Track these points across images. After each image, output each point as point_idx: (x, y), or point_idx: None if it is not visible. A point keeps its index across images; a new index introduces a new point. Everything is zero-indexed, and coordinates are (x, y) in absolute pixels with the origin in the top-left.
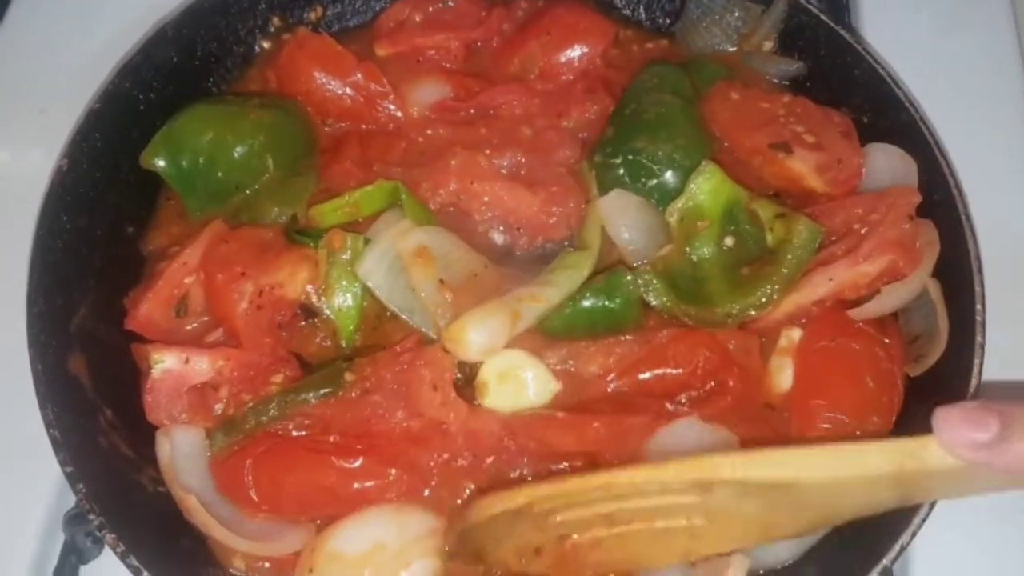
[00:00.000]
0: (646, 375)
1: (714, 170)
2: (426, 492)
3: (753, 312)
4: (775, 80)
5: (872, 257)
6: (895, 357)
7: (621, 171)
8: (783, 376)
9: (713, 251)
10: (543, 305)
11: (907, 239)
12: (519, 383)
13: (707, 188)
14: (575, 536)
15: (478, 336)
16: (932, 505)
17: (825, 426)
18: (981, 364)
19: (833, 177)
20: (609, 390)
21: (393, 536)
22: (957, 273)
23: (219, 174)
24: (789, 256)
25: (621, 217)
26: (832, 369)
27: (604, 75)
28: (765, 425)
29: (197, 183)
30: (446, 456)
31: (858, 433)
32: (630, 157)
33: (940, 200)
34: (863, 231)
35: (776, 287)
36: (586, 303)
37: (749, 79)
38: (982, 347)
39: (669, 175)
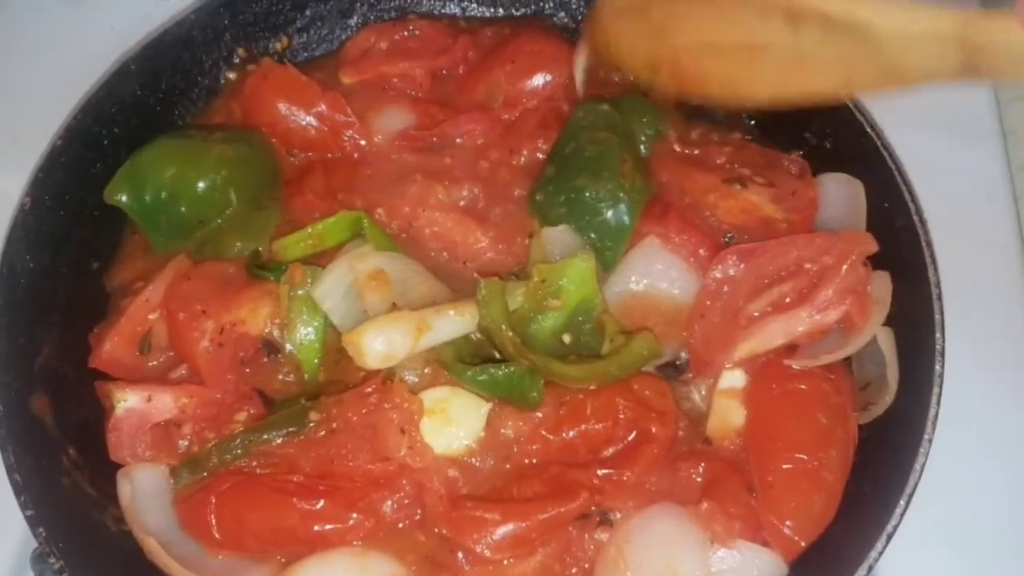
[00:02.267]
0: (570, 434)
1: (591, 260)
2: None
3: (566, 382)
4: (732, 109)
5: (828, 308)
6: (844, 390)
7: (564, 209)
8: (733, 416)
9: (549, 335)
10: (459, 318)
11: (861, 290)
12: (447, 416)
13: (577, 274)
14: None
15: (376, 343)
16: (896, 526)
17: (786, 467)
18: (940, 393)
19: (790, 206)
20: (532, 461)
21: None
22: (916, 301)
23: (182, 209)
24: (622, 358)
25: (559, 252)
26: (784, 412)
27: (558, 109)
28: (710, 457)
29: (160, 218)
30: (408, 502)
31: (820, 470)
32: (572, 195)
33: (901, 226)
34: (813, 269)
35: (596, 379)
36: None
37: (685, 120)
38: (941, 377)
39: (611, 213)
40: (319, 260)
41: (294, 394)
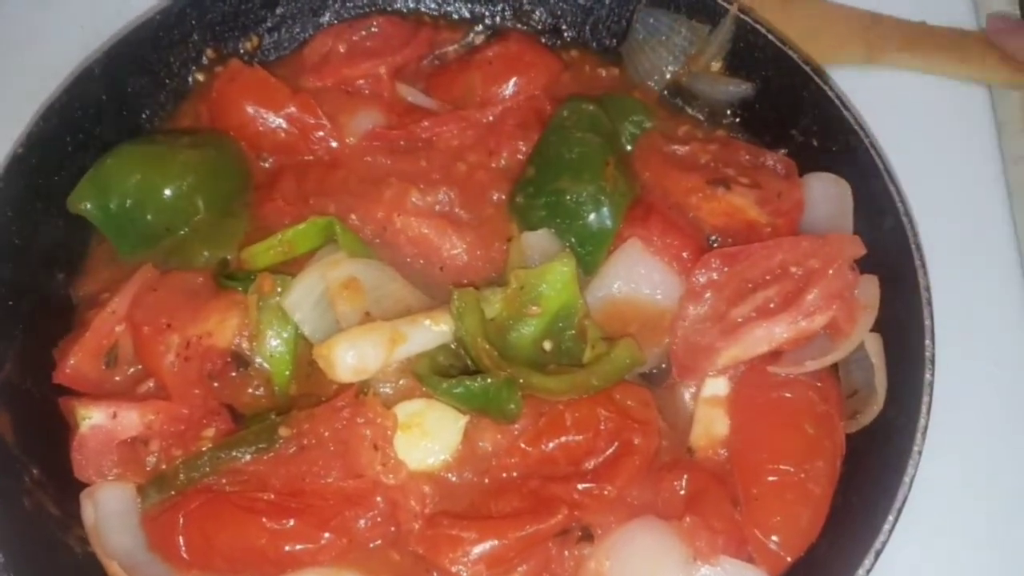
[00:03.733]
0: (549, 446)
1: (571, 263)
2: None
3: (546, 395)
4: (717, 106)
5: (814, 313)
6: (831, 399)
7: (544, 212)
8: (717, 426)
9: (529, 343)
10: (435, 327)
11: (848, 294)
12: (422, 430)
13: (556, 279)
14: None
15: (348, 356)
16: (884, 542)
17: (771, 479)
18: (930, 403)
19: (775, 209)
20: (511, 475)
21: None
22: (905, 305)
23: (148, 217)
24: (603, 367)
25: (538, 257)
26: (769, 421)
27: (540, 108)
28: (694, 469)
29: (126, 226)
30: (381, 520)
31: (806, 482)
32: (553, 198)
33: (890, 228)
34: (798, 273)
35: (577, 391)
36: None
37: (671, 117)
38: (931, 385)
39: (593, 217)
40: (290, 268)
41: (264, 408)
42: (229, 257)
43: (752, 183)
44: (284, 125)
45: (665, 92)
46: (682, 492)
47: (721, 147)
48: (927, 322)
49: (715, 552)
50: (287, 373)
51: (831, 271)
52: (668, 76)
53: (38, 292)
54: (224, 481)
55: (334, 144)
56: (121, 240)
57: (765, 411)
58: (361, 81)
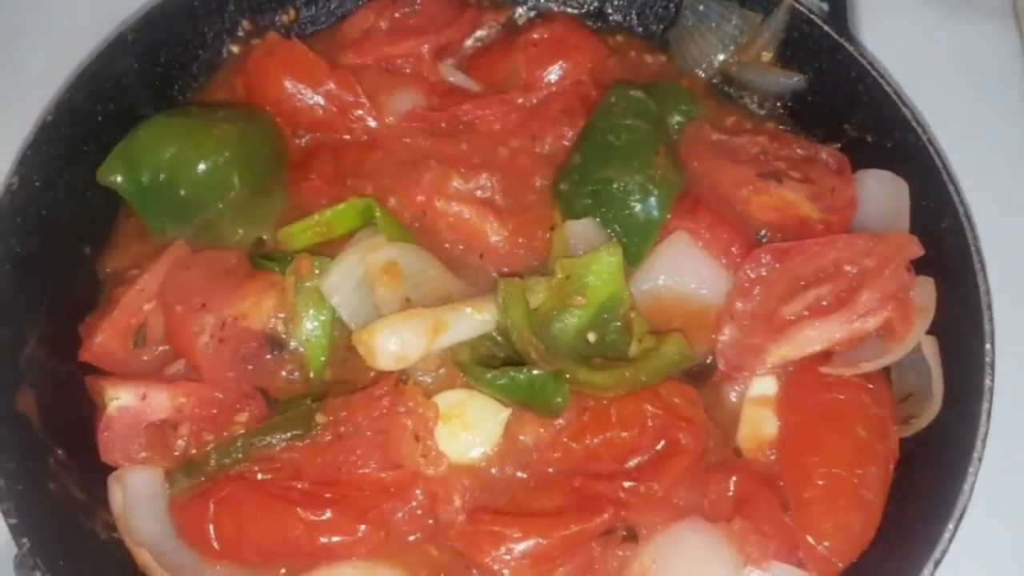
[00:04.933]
0: (594, 442)
1: (618, 253)
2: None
3: (592, 391)
4: (767, 97)
5: (868, 314)
6: (883, 402)
7: (589, 201)
8: (765, 426)
9: (573, 334)
10: (477, 316)
11: (904, 295)
12: (463, 422)
13: (602, 269)
14: None
15: (390, 344)
16: (944, 551)
17: (822, 483)
18: (990, 409)
19: (827, 205)
20: (553, 471)
21: None
22: (964, 308)
23: (181, 192)
24: (651, 362)
25: (582, 247)
26: (820, 423)
27: (585, 93)
28: (742, 471)
29: (157, 201)
30: (421, 513)
31: (859, 487)
32: (599, 186)
33: (948, 228)
34: (852, 272)
35: (624, 386)
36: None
37: (719, 107)
38: (991, 391)
39: (640, 207)
40: (327, 250)
41: (299, 394)
42: (265, 237)
43: (804, 178)
44: (322, 102)
45: (714, 81)
46: (730, 494)
47: (771, 139)
48: (987, 326)
49: (766, 557)
50: (323, 358)
51: (887, 271)
52: (717, 65)
53: (64, 267)
54: (256, 468)
55: (373, 124)
56: (152, 215)
57: (815, 413)
58: (401, 60)
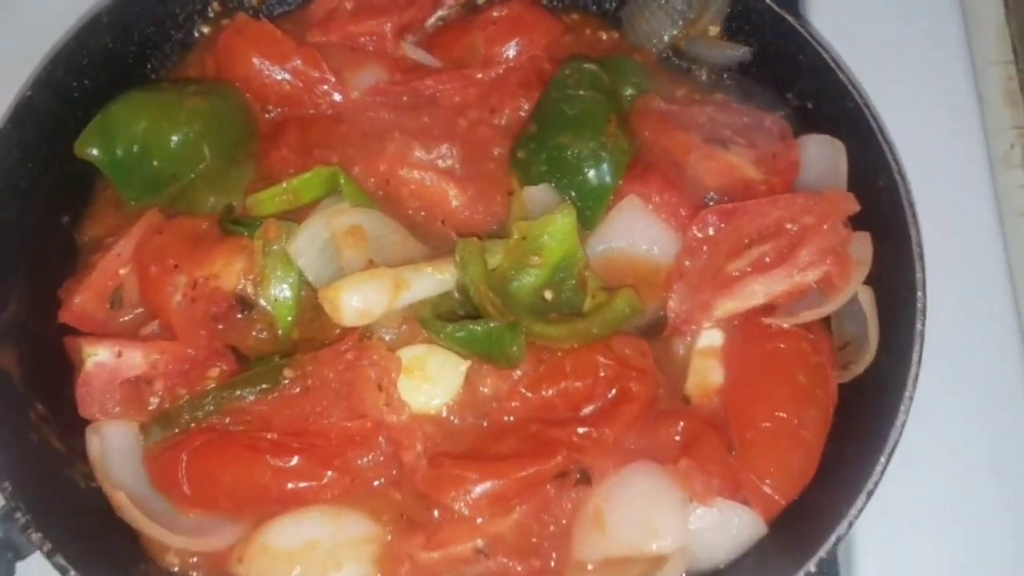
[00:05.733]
0: (549, 391)
1: (572, 215)
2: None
3: (547, 342)
4: (714, 69)
5: (808, 268)
6: (823, 350)
7: (545, 167)
8: (712, 375)
9: (530, 292)
10: (438, 275)
11: (842, 250)
12: (424, 374)
13: (557, 230)
14: None
15: (354, 300)
16: (876, 483)
17: (765, 425)
18: (921, 351)
19: (770, 168)
20: (511, 419)
21: (327, 535)
22: (898, 260)
23: (154, 163)
24: (603, 316)
25: (539, 211)
26: (764, 371)
27: (541, 68)
28: (689, 416)
29: (132, 172)
30: (384, 459)
31: (800, 428)
32: (554, 153)
33: (884, 186)
34: (793, 229)
35: (577, 338)
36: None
37: (669, 79)
38: (922, 335)
39: (593, 172)
40: (294, 217)
41: (268, 352)
42: (235, 204)
43: (749, 143)
44: (289, 78)
45: (664, 55)
46: (677, 438)
47: (718, 109)
48: (919, 275)
49: (710, 494)
50: (290, 318)
51: (825, 227)
52: (667, 40)
53: (43, 235)
54: (228, 421)
55: (338, 98)
56: (127, 186)
57: (759, 361)
58: (365, 38)
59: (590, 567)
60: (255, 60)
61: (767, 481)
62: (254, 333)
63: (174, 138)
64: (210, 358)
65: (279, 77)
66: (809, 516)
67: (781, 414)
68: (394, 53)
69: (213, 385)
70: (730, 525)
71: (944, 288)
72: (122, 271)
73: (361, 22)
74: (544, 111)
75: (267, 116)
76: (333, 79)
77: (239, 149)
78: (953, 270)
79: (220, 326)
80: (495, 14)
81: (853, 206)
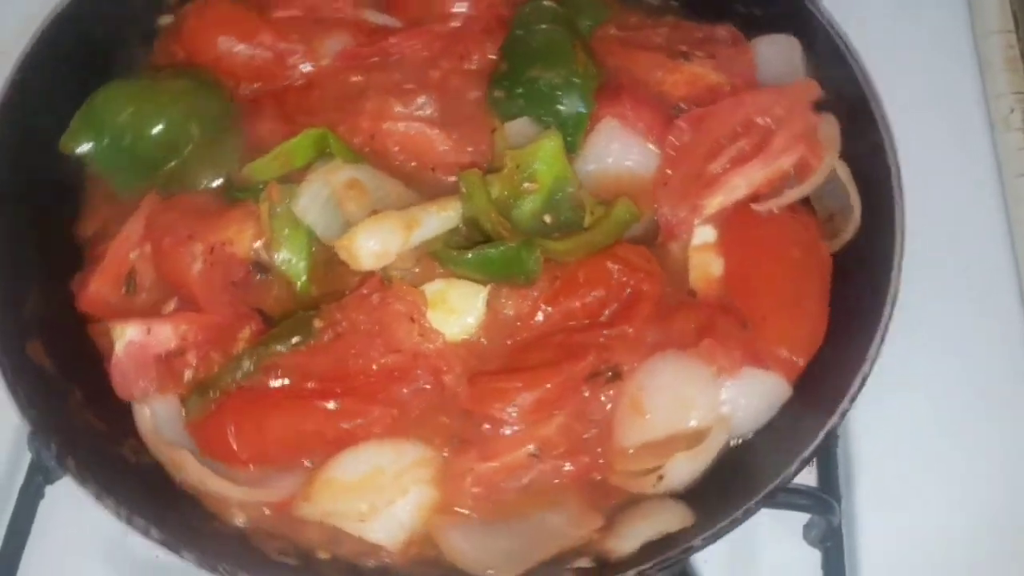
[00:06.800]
0: (567, 303)
1: (556, 139)
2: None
3: (554, 257)
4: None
5: (783, 154)
6: (810, 225)
7: (522, 101)
8: (712, 267)
9: (530, 218)
10: (443, 213)
11: (812, 133)
12: (447, 306)
13: (547, 154)
14: None
15: (370, 243)
16: (886, 327)
17: (771, 299)
18: (903, 206)
19: (730, 70)
20: (537, 334)
21: (389, 462)
22: (867, 135)
23: (145, 148)
24: (605, 225)
25: (523, 143)
26: (759, 253)
27: (500, 14)
28: (700, 306)
29: (122, 161)
30: (427, 386)
31: (803, 297)
32: (528, 86)
33: (840, 68)
34: (764, 122)
35: (583, 249)
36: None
37: (622, 9)
38: (899, 176)
39: (567, 100)
40: (290, 180)
41: (291, 310)
42: (231, 175)
43: (707, 54)
44: (258, 52)
45: None
46: (693, 326)
47: (672, 29)
48: (885, 138)
49: (735, 365)
50: (304, 276)
51: (794, 115)
52: None
53: (43, 239)
54: (266, 379)
55: (309, 67)
56: (118, 176)
57: (753, 245)
58: (325, 10)
59: (632, 452)
60: (222, 40)
61: (784, 347)
62: (274, 294)
63: (162, 121)
64: (238, 321)
65: (248, 53)
66: (829, 372)
67: (784, 286)
68: (355, 20)
69: (246, 346)
70: (758, 392)
71: (945, 241)
72: (132, 255)
73: None
74: (512, 48)
75: (244, 94)
76: (303, 47)
77: (225, 123)
78: (954, 228)
79: (240, 292)
80: None
81: (816, 91)
